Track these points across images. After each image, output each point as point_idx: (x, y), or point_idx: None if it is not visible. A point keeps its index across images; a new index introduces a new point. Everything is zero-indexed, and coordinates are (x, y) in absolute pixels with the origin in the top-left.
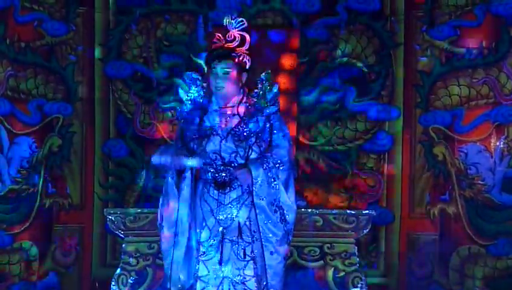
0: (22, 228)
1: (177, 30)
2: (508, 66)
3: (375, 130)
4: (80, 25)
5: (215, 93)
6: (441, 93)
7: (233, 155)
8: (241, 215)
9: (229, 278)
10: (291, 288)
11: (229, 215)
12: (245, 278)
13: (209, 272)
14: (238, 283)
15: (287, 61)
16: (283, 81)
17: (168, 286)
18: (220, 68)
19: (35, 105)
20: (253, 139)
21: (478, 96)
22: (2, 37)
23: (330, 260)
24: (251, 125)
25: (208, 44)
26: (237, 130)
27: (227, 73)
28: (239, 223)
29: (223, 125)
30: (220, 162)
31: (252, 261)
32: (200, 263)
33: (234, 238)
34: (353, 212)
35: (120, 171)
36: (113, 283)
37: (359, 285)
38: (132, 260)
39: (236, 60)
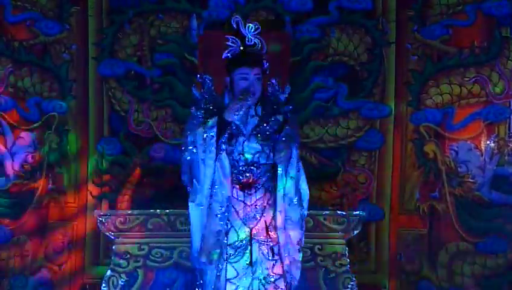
0: (21, 223)
1: (171, 29)
2: (500, 65)
3: (367, 127)
4: (73, 24)
5: (243, 99)
6: (432, 92)
7: (256, 155)
8: (266, 214)
9: (259, 278)
10: None
11: (255, 216)
12: (274, 277)
13: (238, 273)
14: (268, 282)
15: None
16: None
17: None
18: (253, 74)
19: (33, 103)
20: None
21: (469, 95)
22: None
23: (321, 261)
24: (272, 124)
25: (201, 43)
26: (259, 129)
27: (260, 79)
28: (265, 222)
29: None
30: (243, 163)
31: (279, 260)
32: (229, 265)
33: (262, 238)
34: (344, 213)
35: (114, 170)
36: (103, 285)
37: (349, 286)
38: (122, 262)
39: (265, 65)
